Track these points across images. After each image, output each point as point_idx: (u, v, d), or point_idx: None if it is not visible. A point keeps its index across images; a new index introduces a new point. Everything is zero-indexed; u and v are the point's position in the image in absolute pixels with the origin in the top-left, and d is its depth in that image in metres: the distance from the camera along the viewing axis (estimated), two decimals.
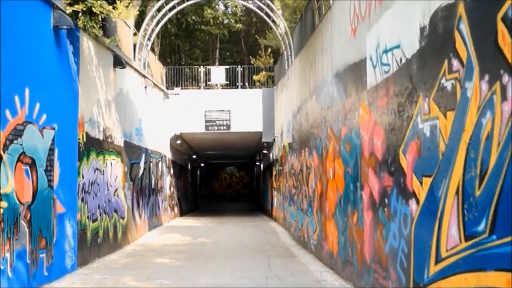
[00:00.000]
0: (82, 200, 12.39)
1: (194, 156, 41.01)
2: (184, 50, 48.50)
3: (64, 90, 11.14)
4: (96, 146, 13.56)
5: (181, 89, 27.61)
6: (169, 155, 27.82)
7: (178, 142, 28.89)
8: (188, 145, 33.31)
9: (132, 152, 18.10)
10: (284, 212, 22.01)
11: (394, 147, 7.16)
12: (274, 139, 26.28)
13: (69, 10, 10.50)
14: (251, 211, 41.86)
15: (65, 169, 11.13)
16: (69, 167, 11.46)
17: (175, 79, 29.61)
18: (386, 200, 7.50)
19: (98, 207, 13.75)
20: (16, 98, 8.75)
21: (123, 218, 16.54)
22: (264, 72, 32.87)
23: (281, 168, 23.53)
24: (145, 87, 20.67)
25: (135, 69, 18.85)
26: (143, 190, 20.28)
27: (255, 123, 27.02)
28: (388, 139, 7.42)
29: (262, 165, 39.73)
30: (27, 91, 9.14)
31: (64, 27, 10.28)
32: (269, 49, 35.63)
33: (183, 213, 34.89)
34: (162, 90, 25.27)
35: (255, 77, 32.25)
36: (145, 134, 20.45)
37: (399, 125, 6.95)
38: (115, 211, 15.59)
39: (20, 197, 8.81)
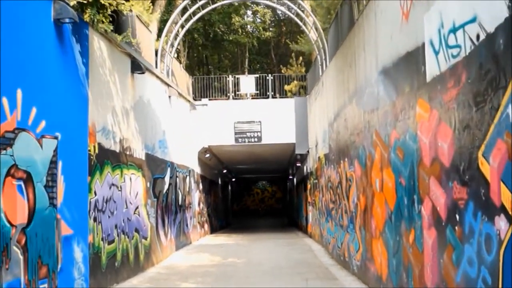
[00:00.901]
0: (95, 219, 11.00)
1: (225, 171, 39.63)
2: (213, 62, 47.31)
3: (69, 94, 9.79)
4: (111, 158, 12.20)
5: (209, 100, 26.25)
6: (197, 169, 26.45)
7: (207, 155, 27.52)
8: (217, 158, 31.92)
9: (155, 166, 16.73)
10: (321, 228, 20.39)
11: (469, 150, 5.57)
12: (308, 151, 24.72)
13: (73, 1, 9.13)
14: (285, 227, 40.24)
15: (73, 184, 9.75)
16: (77, 182, 10.09)
17: (203, 90, 28.29)
18: (458, 217, 5.90)
19: (116, 227, 12.37)
20: (4, 100, 7.37)
21: (145, 238, 15.14)
22: (295, 82, 31.33)
23: (316, 181, 21.93)
24: (169, 97, 19.34)
25: (157, 77, 17.54)
26: (169, 207, 18.88)
27: (287, 134, 25.52)
28: (459, 140, 5.83)
29: (295, 179, 38.13)
30: (19, 92, 7.77)
31: (67, 20, 8.93)
32: (301, 58, 34.11)
33: (213, 230, 33.45)
34: (189, 101, 23.96)
35: (286, 87, 30.71)
36: (170, 147, 19.10)
37: (477, 121, 5.36)
38: (136, 230, 14.20)
39: (10, 218, 7.40)
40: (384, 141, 9.17)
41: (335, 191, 15.78)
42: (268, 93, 27.39)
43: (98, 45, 11.62)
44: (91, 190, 10.81)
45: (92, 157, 10.92)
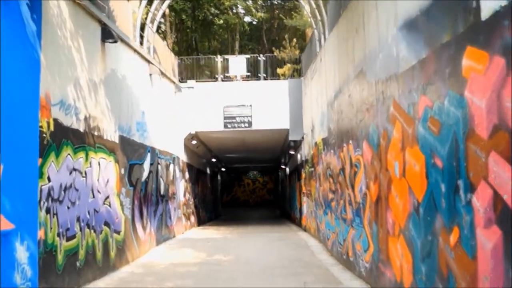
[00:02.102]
0: (48, 211, 9.00)
1: (214, 160, 37.62)
2: (202, 48, 45.13)
3: (11, 54, 7.76)
4: (73, 139, 10.19)
5: (196, 82, 24.20)
6: (183, 157, 24.42)
7: (194, 142, 25.50)
8: (205, 146, 29.90)
9: (132, 151, 14.73)
10: (318, 222, 18.47)
11: None
12: (302, 137, 22.77)
13: None
14: (277, 219, 38.32)
15: (16, 167, 7.73)
16: (23, 165, 8.07)
17: (190, 72, 26.23)
18: None
19: (78, 219, 10.37)
20: None
21: (118, 233, 13.16)
22: (289, 65, 29.37)
23: (312, 169, 20.00)
24: (150, 75, 17.32)
25: (136, 51, 15.51)
26: (148, 197, 16.88)
27: (280, 119, 23.57)
28: None
29: (288, 168, 36.22)
30: None
31: None
32: (294, 40, 32.11)
33: (201, 222, 31.47)
34: (174, 83, 21.92)
35: (279, 71, 28.72)
36: (150, 131, 17.08)
37: None
38: (106, 224, 12.22)
39: None
40: (408, 112, 7.23)
41: (336, 180, 13.84)
42: (259, 75, 25.35)
43: (55, 1, 9.60)
44: (43, 175, 8.81)
45: (45, 135, 8.91)
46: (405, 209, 7.36)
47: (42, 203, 8.71)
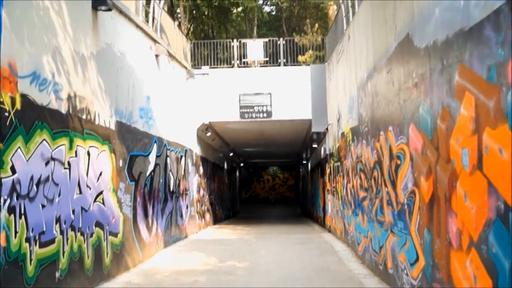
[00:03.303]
0: (13, 210, 7.10)
1: (231, 154, 35.68)
2: (219, 38, 43.12)
3: None
4: (51, 121, 8.28)
5: (210, 68, 22.23)
6: (196, 150, 22.50)
7: (209, 134, 23.56)
8: (221, 139, 27.95)
9: (133, 140, 12.82)
10: (345, 223, 16.43)
11: None
12: (327, 128, 20.72)
13: None
14: (298, 218, 36.30)
15: None
16: None
17: (203, 58, 24.26)
18: None
19: (58, 220, 8.47)
20: None
21: (115, 235, 11.26)
22: (310, 51, 27.29)
23: (338, 164, 17.95)
24: (157, 56, 15.38)
25: (138, 26, 13.57)
26: (155, 194, 14.95)
27: (302, 109, 21.58)
28: None
29: (309, 164, 34.17)
30: None
31: None
32: (316, 25, 30.02)
33: (217, 220, 29.57)
34: (185, 68, 19.98)
35: (300, 58, 26.63)
36: (157, 119, 15.17)
37: None
38: (99, 225, 10.31)
39: None
40: (488, 78, 5.18)
41: (370, 175, 11.79)
42: (279, 60, 23.27)
43: None
44: (4, 164, 6.90)
45: (7, 115, 7.00)
46: (481, 215, 5.32)
47: (2, 200, 6.80)
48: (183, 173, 19.34)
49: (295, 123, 23.11)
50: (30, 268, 7.53)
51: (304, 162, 38.50)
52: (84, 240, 9.55)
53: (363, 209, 12.78)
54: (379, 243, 10.76)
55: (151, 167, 14.56)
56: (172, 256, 14.38)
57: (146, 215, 13.90)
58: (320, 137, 23.44)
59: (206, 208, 25.55)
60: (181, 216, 18.78)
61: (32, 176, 7.62)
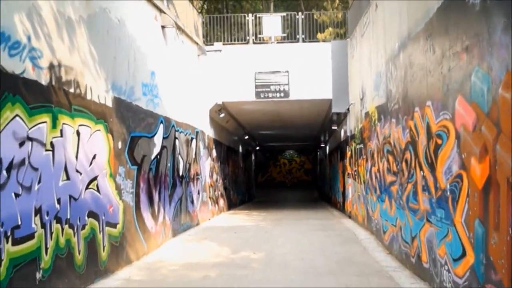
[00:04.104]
0: None
1: (247, 137, 34.35)
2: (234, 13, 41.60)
3: None
4: (27, 94, 6.97)
5: (223, 44, 20.83)
6: (209, 132, 21.20)
7: (222, 115, 22.23)
8: (236, 120, 26.61)
9: (135, 119, 11.53)
10: (368, 209, 15.06)
11: None
12: (348, 109, 19.29)
13: None
14: (315, 203, 35.01)
15: None
16: None
17: (216, 34, 22.84)
18: None
19: (38, 212, 7.19)
20: None
21: (113, 225, 10.00)
22: (330, 29, 25.75)
23: (361, 146, 16.55)
24: (163, 27, 14.04)
25: None
26: (161, 179, 13.68)
27: (322, 88, 20.16)
28: None
29: (328, 147, 32.78)
30: None
31: None
32: (337, 1, 28.42)
33: (232, 205, 28.35)
34: (197, 44, 18.62)
35: (319, 36, 25.10)
36: (164, 97, 13.86)
37: None
38: (92, 215, 9.03)
39: None
40: None
41: (400, 158, 10.38)
42: (297, 36, 21.79)
43: None
44: None
45: None
46: None
47: None
48: (194, 156, 18.06)
49: (314, 104, 21.70)
50: (1, 269, 6.28)
51: (322, 145, 37.10)
52: (74, 233, 8.29)
53: (391, 195, 11.40)
54: (411, 233, 9.40)
55: (156, 150, 13.27)
56: (181, 246, 13.14)
57: (151, 202, 12.63)
58: (340, 118, 22.03)
59: (219, 193, 24.31)
60: (192, 202, 17.53)
61: (0, 159, 6.33)
